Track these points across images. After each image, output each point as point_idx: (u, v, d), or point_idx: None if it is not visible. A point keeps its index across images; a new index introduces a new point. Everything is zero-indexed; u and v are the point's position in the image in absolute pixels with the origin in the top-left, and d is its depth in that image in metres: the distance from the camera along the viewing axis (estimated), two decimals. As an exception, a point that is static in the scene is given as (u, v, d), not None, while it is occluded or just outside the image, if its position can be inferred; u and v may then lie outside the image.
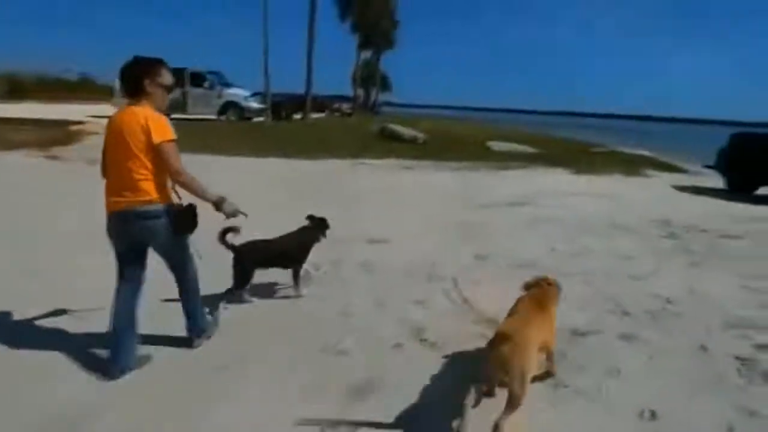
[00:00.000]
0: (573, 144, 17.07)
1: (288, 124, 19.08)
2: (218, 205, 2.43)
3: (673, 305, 3.52)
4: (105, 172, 2.41)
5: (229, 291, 3.14)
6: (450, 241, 5.05)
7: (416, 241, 4.94)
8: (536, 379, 2.28)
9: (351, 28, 41.14)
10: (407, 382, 2.39)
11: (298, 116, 22.31)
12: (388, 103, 68.94)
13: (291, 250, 3.34)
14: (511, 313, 2.35)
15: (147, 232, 2.35)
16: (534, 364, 2.06)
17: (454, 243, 4.97)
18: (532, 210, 6.55)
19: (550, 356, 2.46)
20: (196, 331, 2.67)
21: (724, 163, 9.46)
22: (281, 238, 3.36)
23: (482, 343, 2.48)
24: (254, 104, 19.20)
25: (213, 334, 2.77)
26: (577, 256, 4.64)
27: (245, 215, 2.57)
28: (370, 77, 46.09)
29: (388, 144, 13.22)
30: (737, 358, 2.79)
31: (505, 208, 6.68)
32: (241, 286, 3.15)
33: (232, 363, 2.54)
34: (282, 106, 21.41)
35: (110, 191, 2.34)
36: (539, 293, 2.45)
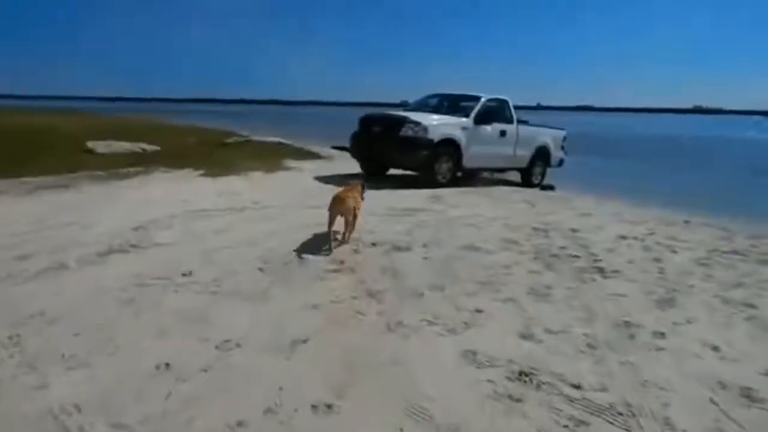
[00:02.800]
0: (204, 134, 14.75)
1: None
2: None
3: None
4: None
5: None
6: None
7: None
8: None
9: None
10: None
11: None
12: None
13: None
14: (340, 192, 4.40)
15: None
16: (354, 212, 4.30)
17: None
18: (132, 262, 3.83)
19: (356, 215, 4.40)
20: None
21: (356, 147, 9.06)
22: None
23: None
24: None
25: None
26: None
27: None
28: None
29: None
30: None
31: (88, 265, 3.70)
32: None
33: None
34: None
35: None
36: (352, 187, 4.58)
